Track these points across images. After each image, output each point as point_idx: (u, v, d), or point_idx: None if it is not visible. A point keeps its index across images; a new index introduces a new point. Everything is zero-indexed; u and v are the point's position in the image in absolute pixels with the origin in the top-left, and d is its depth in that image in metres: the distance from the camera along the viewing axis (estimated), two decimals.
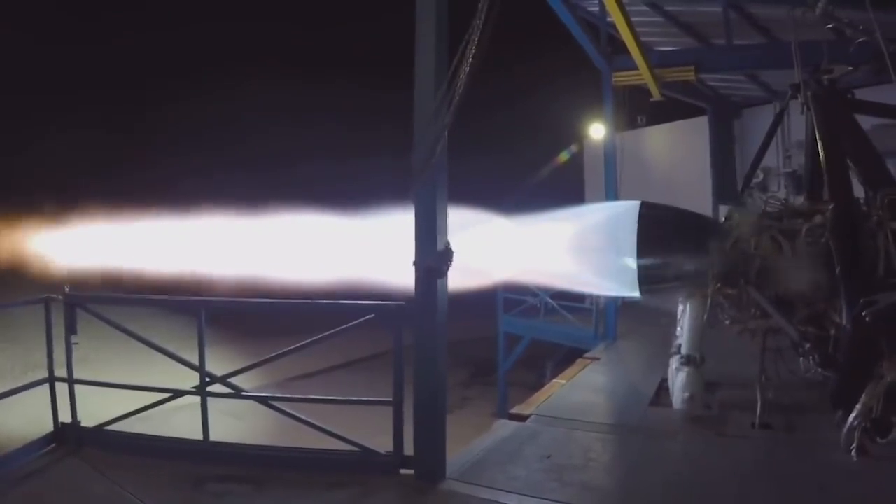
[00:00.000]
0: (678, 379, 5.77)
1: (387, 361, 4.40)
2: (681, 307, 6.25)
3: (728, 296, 5.33)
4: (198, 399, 4.58)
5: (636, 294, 5.42)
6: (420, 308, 4.18)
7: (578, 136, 16.21)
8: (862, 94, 5.48)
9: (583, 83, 11.67)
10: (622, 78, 9.13)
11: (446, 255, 4.14)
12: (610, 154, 9.24)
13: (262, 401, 4.82)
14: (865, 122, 5.31)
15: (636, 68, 8.67)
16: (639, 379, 7.03)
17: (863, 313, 4.33)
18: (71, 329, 4.80)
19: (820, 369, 4.96)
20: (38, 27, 20.91)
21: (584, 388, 6.74)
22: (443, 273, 4.12)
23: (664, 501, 4.05)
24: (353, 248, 5.99)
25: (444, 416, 4.26)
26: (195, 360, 4.58)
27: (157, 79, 22.87)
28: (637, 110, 11.74)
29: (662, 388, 6.33)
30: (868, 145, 5.08)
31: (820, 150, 5.07)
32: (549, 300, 10.96)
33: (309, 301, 5.05)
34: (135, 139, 21.72)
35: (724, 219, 5.62)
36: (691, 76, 9.37)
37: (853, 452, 4.35)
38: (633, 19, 7.65)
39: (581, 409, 5.85)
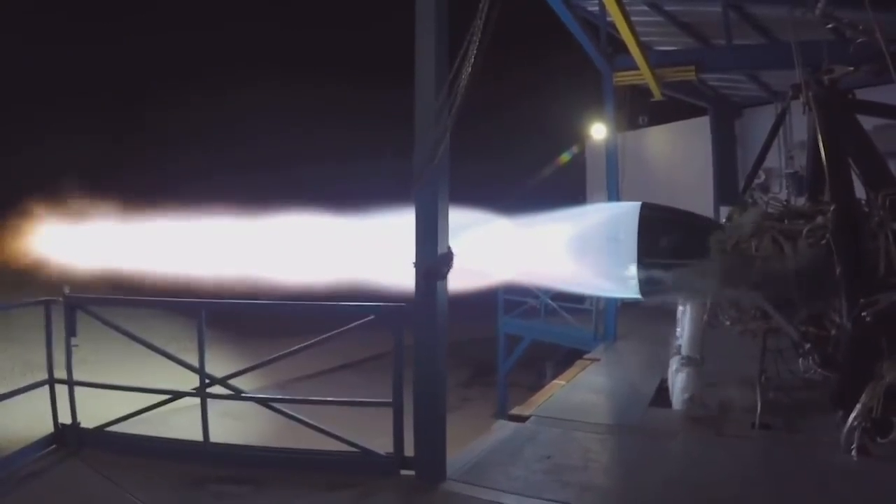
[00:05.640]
0: (678, 379, 5.77)
1: (387, 362, 4.39)
2: (681, 308, 6.25)
3: (728, 297, 5.33)
4: (197, 400, 4.57)
5: (637, 295, 5.42)
6: (420, 309, 4.17)
7: (580, 137, 16.21)
8: (863, 95, 5.48)
9: (584, 84, 11.71)
10: (623, 78, 9.13)
11: (447, 258, 4.13)
12: (611, 154, 9.23)
13: (262, 402, 4.82)
14: (867, 122, 5.31)
15: (637, 68, 8.67)
16: (638, 379, 7.02)
17: (863, 313, 4.33)
18: (71, 331, 4.79)
19: (820, 369, 4.97)
20: (39, 28, 20.93)
21: (584, 388, 6.73)
22: (443, 275, 4.11)
23: (664, 502, 4.04)
24: (353, 250, 5.99)
25: (443, 416, 4.25)
26: (195, 362, 4.58)
27: (157, 80, 22.91)
28: (638, 111, 11.73)
29: (662, 389, 6.32)
30: (869, 146, 5.08)
31: (821, 151, 5.07)
32: (549, 301, 10.95)
33: (309, 303, 5.05)
34: (135, 140, 21.75)
35: (725, 220, 5.62)
36: (692, 76, 9.37)
37: (853, 452, 4.34)
38: (633, 19, 7.66)
39: (581, 410, 5.84)
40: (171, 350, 4.83)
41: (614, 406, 6.29)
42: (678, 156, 14.69)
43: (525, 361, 12.81)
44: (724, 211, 6.26)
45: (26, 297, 4.97)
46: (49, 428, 4.76)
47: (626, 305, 9.58)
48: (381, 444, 4.37)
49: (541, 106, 23.99)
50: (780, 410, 5.30)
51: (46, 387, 4.84)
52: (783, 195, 6.73)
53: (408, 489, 4.10)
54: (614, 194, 9.06)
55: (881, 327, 4.33)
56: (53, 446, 4.69)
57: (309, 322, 5.34)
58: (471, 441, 5.02)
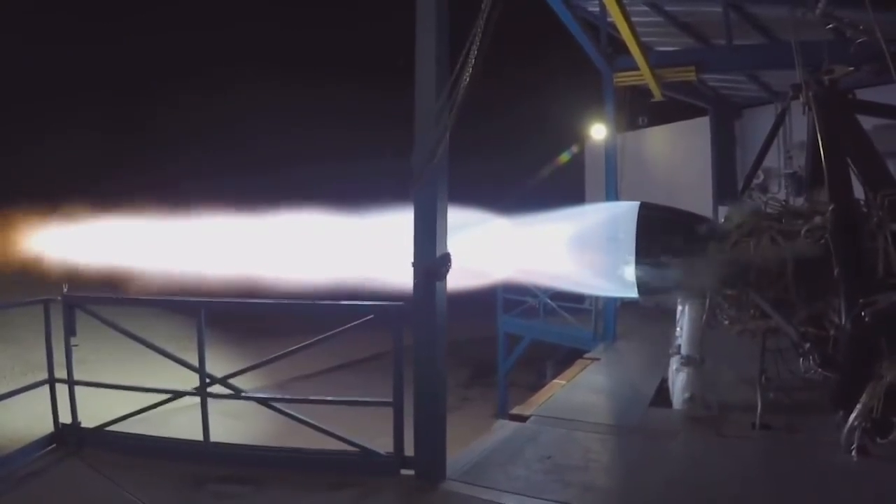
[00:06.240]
0: (678, 379, 5.77)
1: (387, 362, 4.39)
2: (680, 308, 6.26)
3: (727, 296, 5.33)
4: (196, 400, 4.57)
5: (635, 295, 5.42)
6: (419, 309, 4.17)
7: (579, 137, 16.20)
8: (863, 95, 5.48)
9: (584, 84, 11.69)
10: (623, 78, 9.13)
11: (445, 259, 4.13)
12: (611, 155, 9.23)
13: (263, 402, 4.82)
14: (866, 122, 5.31)
15: (637, 69, 8.67)
16: (639, 379, 7.02)
17: (862, 313, 4.33)
18: (70, 330, 4.78)
19: (820, 369, 4.96)
20: (39, 28, 20.92)
21: (585, 388, 6.73)
22: (442, 276, 4.11)
23: (664, 502, 4.04)
24: (353, 249, 5.99)
25: (444, 416, 4.25)
26: (195, 361, 4.57)
27: (156, 80, 22.90)
28: (638, 111, 11.74)
29: (662, 389, 6.32)
30: (869, 146, 5.08)
31: (821, 151, 5.07)
32: (549, 301, 10.96)
33: (308, 302, 5.04)
34: (134, 140, 21.74)
35: (724, 220, 5.61)
36: (692, 76, 9.38)
37: (853, 453, 4.35)
38: (634, 19, 7.65)
39: (581, 410, 5.84)
40: (170, 349, 4.82)
41: (615, 406, 6.29)
42: (678, 156, 14.68)
43: (525, 361, 12.80)
44: (723, 211, 6.26)
45: (26, 297, 4.96)
46: (49, 427, 4.75)
47: (625, 305, 9.58)
48: (381, 443, 4.38)
49: (541, 106, 23.96)
50: (780, 411, 5.30)
51: (46, 386, 4.83)
52: (782, 195, 6.73)
53: (408, 489, 4.10)
54: (613, 194, 9.06)
55: (880, 327, 4.34)
56: (53, 446, 4.68)
57: (308, 321, 5.33)
58: (471, 441, 5.03)
